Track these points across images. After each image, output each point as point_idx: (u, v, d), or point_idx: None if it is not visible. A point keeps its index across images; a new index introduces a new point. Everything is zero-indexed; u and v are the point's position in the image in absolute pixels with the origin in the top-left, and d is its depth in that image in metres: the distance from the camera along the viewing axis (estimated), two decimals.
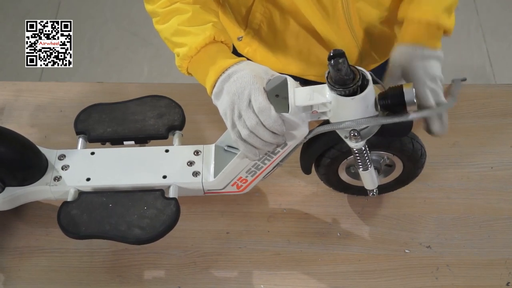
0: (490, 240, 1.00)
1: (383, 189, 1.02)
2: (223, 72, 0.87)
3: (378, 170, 0.98)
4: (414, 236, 1.01)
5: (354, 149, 0.88)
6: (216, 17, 0.95)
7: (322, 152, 0.95)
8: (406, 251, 1.00)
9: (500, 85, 1.40)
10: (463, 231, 1.02)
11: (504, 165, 1.09)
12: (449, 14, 0.96)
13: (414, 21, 0.94)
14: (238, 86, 0.84)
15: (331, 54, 0.77)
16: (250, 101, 0.83)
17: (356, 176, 1.00)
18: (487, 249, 0.99)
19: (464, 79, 1.18)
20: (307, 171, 0.99)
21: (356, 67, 0.81)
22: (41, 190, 0.99)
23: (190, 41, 0.90)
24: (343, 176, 1.00)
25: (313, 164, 0.99)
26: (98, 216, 0.93)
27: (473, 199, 1.05)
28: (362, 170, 0.92)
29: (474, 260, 0.98)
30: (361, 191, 1.02)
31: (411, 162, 0.96)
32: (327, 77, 0.81)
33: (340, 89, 0.80)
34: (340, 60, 0.77)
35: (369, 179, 0.95)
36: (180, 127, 1.05)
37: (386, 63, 1.21)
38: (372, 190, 0.98)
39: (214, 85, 0.87)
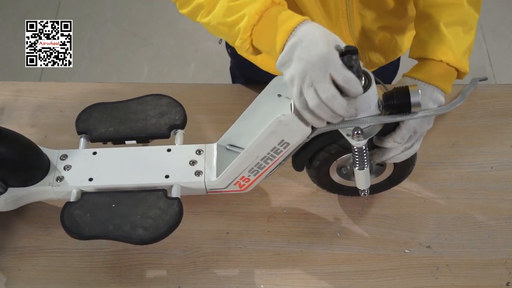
0: (490, 240, 1.00)
1: (376, 188, 1.02)
2: (291, 34, 0.79)
3: (370, 169, 0.98)
4: (414, 236, 1.01)
5: (355, 148, 0.88)
6: None
7: (314, 153, 0.95)
8: (406, 251, 1.00)
9: (500, 85, 1.40)
10: (463, 231, 1.02)
11: (504, 165, 1.09)
12: (468, 58, 0.94)
13: (435, 61, 0.91)
14: (313, 54, 0.77)
15: (344, 51, 0.76)
16: (326, 71, 0.76)
17: (348, 176, 1.00)
18: (487, 249, 0.99)
19: (485, 79, 1.19)
20: (298, 167, 0.98)
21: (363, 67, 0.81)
22: (43, 191, 0.98)
23: (248, 10, 0.84)
24: (335, 177, 1.00)
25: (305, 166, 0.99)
26: (102, 216, 0.93)
27: (473, 199, 1.05)
28: (358, 169, 0.92)
29: (474, 260, 0.98)
30: (354, 191, 1.02)
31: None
32: None
33: None
34: (354, 57, 0.76)
35: (363, 178, 0.94)
36: (182, 125, 1.05)
37: (384, 66, 1.22)
38: (364, 190, 0.98)
39: (283, 50, 0.80)
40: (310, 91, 0.78)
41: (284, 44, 0.80)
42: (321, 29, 0.80)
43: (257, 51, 0.87)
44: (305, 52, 0.77)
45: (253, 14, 0.83)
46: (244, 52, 0.88)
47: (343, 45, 0.79)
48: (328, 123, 0.83)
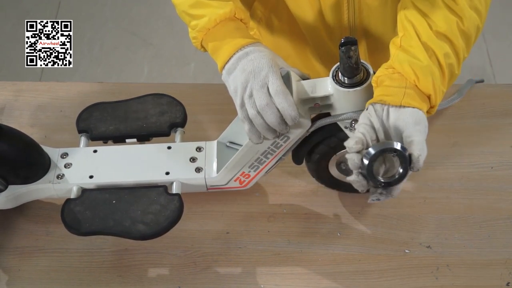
0: (490, 240, 1.00)
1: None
2: (240, 49, 0.86)
3: None
4: (414, 236, 1.01)
5: None
6: None
7: (313, 145, 0.94)
8: (406, 251, 1.00)
9: (500, 85, 1.40)
10: (463, 231, 1.02)
11: (504, 165, 1.09)
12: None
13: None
14: (256, 66, 0.83)
15: (343, 41, 0.77)
16: (265, 82, 0.82)
17: (347, 172, 1.00)
18: (487, 249, 0.99)
19: (482, 81, 1.20)
20: (298, 160, 0.98)
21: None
22: (44, 188, 0.99)
23: (210, 13, 0.89)
24: (334, 172, 1.00)
25: (304, 160, 0.99)
26: (102, 212, 0.93)
27: (473, 199, 1.05)
28: None
29: (474, 260, 0.98)
30: (353, 188, 1.02)
31: None
32: (334, 71, 0.82)
33: (347, 80, 0.80)
34: (353, 48, 0.77)
35: None
36: (182, 124, 1.06)
37: None
38: None
39: (228, 61, 0.87)
40: (250, 101, 0.83)
41: (232, 56, 0.86)
42: (268, 50, 0.87)
43: (204, 50, 0.94)
44: (249, 63, 0.84)
45: (212, 20, 0.89)
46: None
47: (287, 66, 0.85)
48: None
